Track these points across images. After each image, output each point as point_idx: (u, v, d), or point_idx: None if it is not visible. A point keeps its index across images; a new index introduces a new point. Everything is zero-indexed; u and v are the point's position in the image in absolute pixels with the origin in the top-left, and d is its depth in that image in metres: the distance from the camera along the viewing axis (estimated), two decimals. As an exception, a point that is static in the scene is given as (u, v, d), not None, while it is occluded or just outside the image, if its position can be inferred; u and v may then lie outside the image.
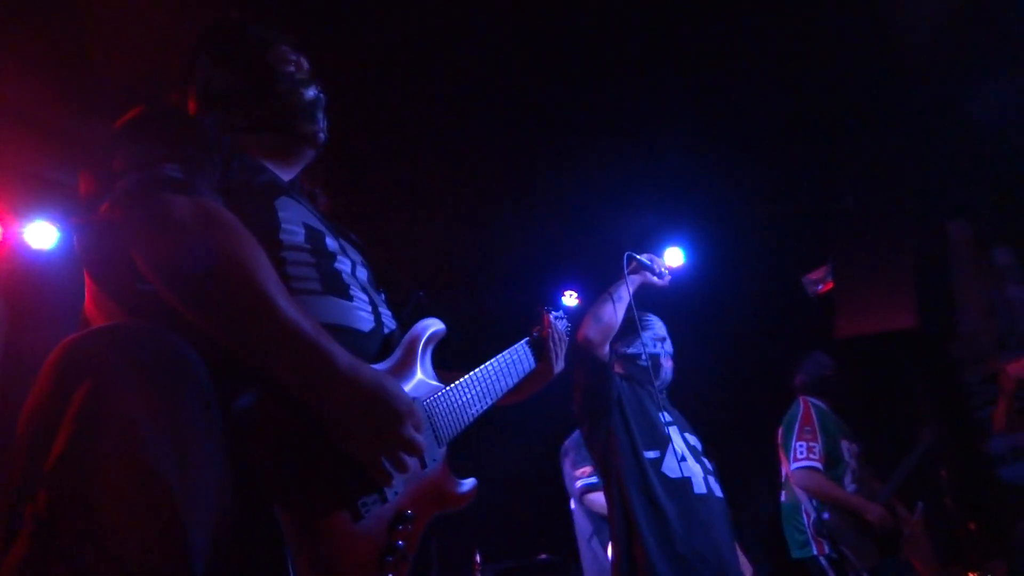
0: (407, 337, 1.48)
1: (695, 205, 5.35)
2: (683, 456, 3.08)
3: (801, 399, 4.53)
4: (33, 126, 3.85)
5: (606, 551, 4.18)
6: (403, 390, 1.27)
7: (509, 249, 5.53)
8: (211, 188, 1.24)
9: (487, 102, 4.43)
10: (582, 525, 4.45)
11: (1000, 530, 4.50)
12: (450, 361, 1.64)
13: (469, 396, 1.58)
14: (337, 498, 1.18)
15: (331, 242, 1.47)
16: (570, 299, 6.28)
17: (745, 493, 5.14)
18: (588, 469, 4.29)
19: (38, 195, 4.24)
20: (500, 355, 1.76)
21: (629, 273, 3.17)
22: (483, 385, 1.65)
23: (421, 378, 1.46)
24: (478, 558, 5.80)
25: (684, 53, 4.28)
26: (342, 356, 1.18)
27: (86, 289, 1.30)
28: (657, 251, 5.90)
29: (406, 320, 1.54)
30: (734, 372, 5.58)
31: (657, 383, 3.35)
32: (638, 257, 3.19)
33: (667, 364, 3.43)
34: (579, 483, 4.24)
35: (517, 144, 4.79)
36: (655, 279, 3.23)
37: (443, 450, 1.46)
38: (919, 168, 5.05)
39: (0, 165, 4.12)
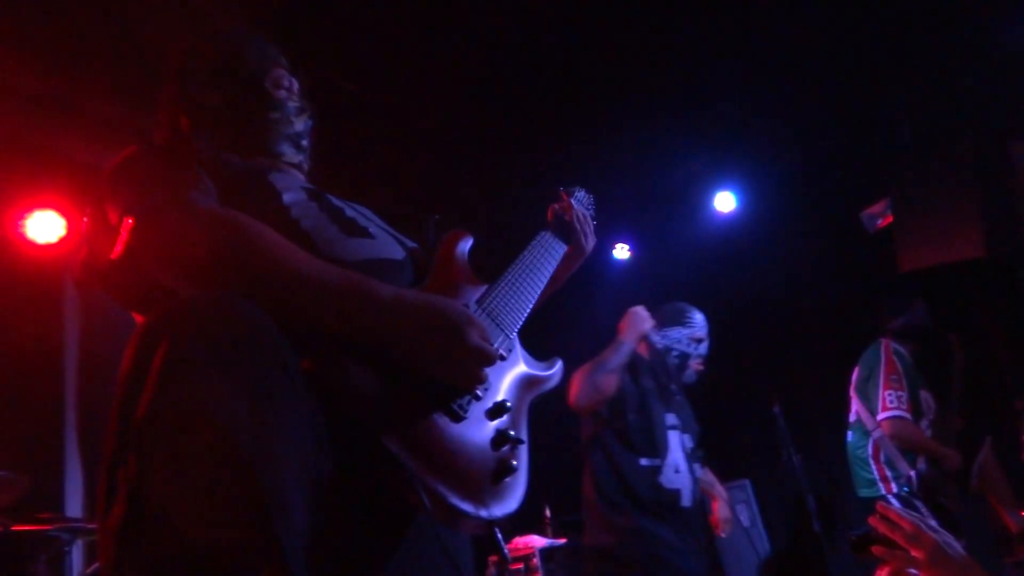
0: (437, 253, 1.52)
1: (745, 147, 5.27)
2: (677, 468, 3.19)
3: (883, 343, 4.37)
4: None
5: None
6: (453, 302, 1.30)
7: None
8: (207, 195, 1.31)
9: (530, 44, 4.37)
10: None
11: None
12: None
13: (519, 285, 1.59)
14: (432, 412, 1.23)
15: (334, 199, 1.53)
16: (621, 251, 6.27)
17: (809, 436, 5.02)
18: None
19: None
20: (527, 247, 1.75)
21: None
22: (527, 272, 1.65)
23: (466, 285, 1.49)
24: (548, 512, 5.86)
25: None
26: (382, 288, 1.22)
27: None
28: (708, 196, 5.84)
29: (430, 244, 1.57)
30: (795, 315, 5.44)
31: (673, 385, 3.38)
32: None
33: (693, 366, 3.41)
34: None
35: (563, 90, 4.75)
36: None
37: (514, 338, 1.50)
38: (976, 91, 4.84)
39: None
